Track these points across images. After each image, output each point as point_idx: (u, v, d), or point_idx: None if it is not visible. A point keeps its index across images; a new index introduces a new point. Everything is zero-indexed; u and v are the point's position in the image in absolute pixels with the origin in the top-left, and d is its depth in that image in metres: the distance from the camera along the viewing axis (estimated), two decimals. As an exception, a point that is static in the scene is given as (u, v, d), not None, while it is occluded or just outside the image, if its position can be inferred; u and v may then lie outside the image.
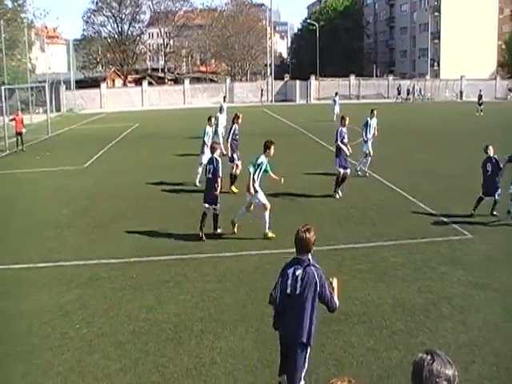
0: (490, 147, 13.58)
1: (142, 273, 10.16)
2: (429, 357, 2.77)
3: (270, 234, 11.91)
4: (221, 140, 18.67)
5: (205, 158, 15.78)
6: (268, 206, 11.88)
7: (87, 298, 9.08)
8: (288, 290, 5.47)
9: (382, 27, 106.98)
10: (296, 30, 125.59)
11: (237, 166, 16.72)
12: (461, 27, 79.38)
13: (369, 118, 19.04)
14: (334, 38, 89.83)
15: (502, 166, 13.33)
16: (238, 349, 7.30)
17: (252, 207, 12.58)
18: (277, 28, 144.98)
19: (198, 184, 16.95)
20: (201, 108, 53.28)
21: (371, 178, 18.35)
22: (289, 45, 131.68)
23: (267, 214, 11.84)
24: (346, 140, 16.03)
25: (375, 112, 19.21)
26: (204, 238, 11.97)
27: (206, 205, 12.18)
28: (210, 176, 12.22)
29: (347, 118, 16.45)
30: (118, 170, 21.48)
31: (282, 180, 12.25)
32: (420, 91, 62.95)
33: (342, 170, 15.77)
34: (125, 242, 12.08)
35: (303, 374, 5.56)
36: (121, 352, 7.26)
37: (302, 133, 32.18)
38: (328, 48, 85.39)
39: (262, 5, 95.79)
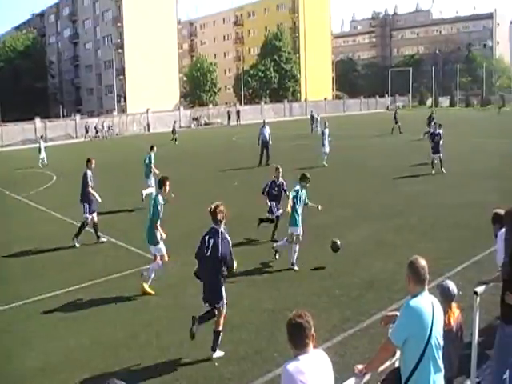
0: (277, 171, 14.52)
1: None
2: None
3: (149, 290, 10.80)
4: None
5: None
6: (166, 258, 11.08)
7: None
8: (204, 251, 7.96)
9: (67, 66, 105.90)
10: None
11: None
12: (144, 63, 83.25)
13: (152, 154, 19.97)
14: (15, 80, 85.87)
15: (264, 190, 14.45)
16: None
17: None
18: None
19: None
20: None
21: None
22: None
23: (157, 266, 11.04)
24: (92, 183, 15.14)
25: (155, 148, 20.45)
26: None
27: None
28: None
29: (93, 161, 15.43)
30: None
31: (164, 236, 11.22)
32: (109, 128, 63.86)
33: (93, 216, 15.03)
34: None
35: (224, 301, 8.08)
36: None
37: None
38: (9, 91, 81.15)
39: None
